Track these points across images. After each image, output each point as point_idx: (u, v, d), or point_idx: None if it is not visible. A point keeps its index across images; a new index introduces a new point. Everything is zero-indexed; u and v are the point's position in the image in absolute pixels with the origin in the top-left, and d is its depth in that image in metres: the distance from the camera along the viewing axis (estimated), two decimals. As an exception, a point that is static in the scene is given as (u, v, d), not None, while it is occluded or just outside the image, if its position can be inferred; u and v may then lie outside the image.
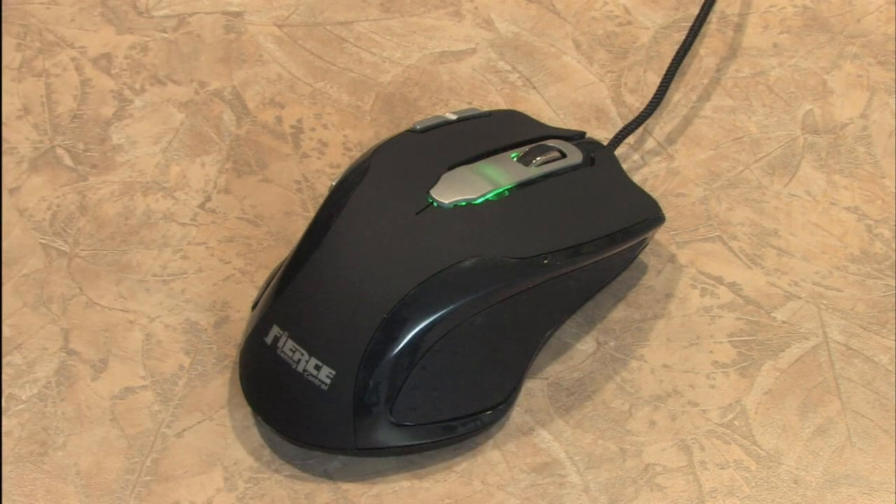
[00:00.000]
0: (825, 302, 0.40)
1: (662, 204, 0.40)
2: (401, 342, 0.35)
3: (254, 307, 0.38)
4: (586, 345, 0.39)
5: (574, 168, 0.39)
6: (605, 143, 0.42)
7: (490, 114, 0.41)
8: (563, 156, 0.39)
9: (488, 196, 0.37)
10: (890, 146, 0.44)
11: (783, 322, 0.40)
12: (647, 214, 0.39)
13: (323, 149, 0.44)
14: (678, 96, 0.46)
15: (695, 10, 0.47)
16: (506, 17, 0.48)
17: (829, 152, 0.44)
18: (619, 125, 0.44)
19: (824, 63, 0.47)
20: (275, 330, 0.36)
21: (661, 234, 0.42)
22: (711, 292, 0.40)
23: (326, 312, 0.36)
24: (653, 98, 0.43)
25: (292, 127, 0.44)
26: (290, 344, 0.36)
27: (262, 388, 0.37)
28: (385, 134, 0.44)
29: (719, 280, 0.41)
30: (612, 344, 0.39)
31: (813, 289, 0.41)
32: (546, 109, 0.45)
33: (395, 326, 0.35)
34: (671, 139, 0.44)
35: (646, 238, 0.40)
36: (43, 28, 0.47)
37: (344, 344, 0.35)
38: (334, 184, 0.38)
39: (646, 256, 0.41)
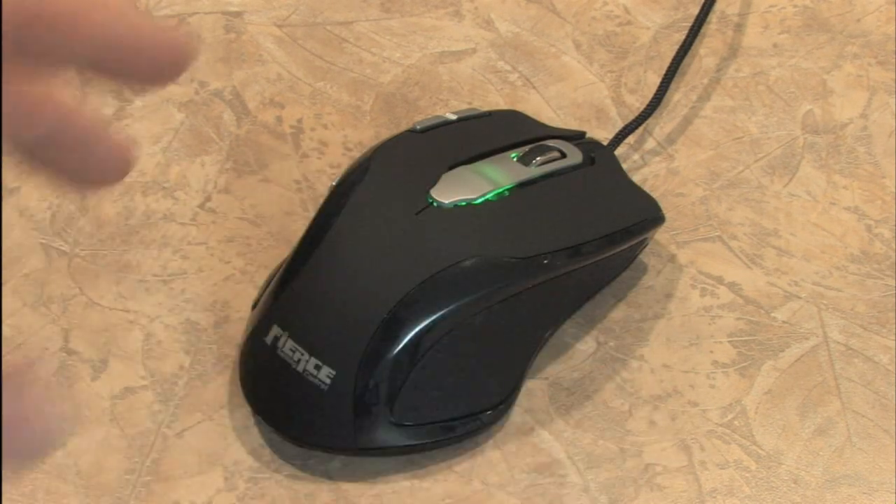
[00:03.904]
0: (825, 302, 0.40)
1: (662, 204, 0.40)
2: (401, 342, 0.35)
3: (254, 307, 0.38)
4: (586, 345, 0.39)
5: (574, 168, 0.39)
6: (605, 143, 0.42)
7: (490, 114, 0.41)
8: (563, 156, 0.39)
9: (488, 196, 0.37)
10: (890, 146, 0.44)
11: (783, 322, 0.40)
12: (647, 214, 0.39)
13: (323, 149, 0.44)
14: (678, 96, 0.46)
15: (695, 10, 0.47)
16: (506, 17, 0.48)
17: (829, 152, 0.44)
18: (619, 125, 0.44)
19: (824, 63, 0.47)
20: (275, 330, 0.36)
21: (661, 234, 0.42)
22: (711, 292, 0.40)
23: (326, 312, 0.36)
24: (653, 98, 0.43)
25: (292, 127, 0.44)
26: (290, 344, 0.36)
27: (262, 388, 0.37)
28: (385, 134, 0.44)
29: (719, 280, 0.41)
30: (612, 344, 0.39)
31: (813, 289, 0.41)
32: (546, 109, 0.45)
33: (395, 326, 0.35)
34: (671, 139, 0.44)
35: (646, 238, 0.40)
36: (43, 28, 0.47)
37: (344, 344, 0.35)
38: (334, 184, 0.38)
39: (646, 256, 0.41)
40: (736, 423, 0.38)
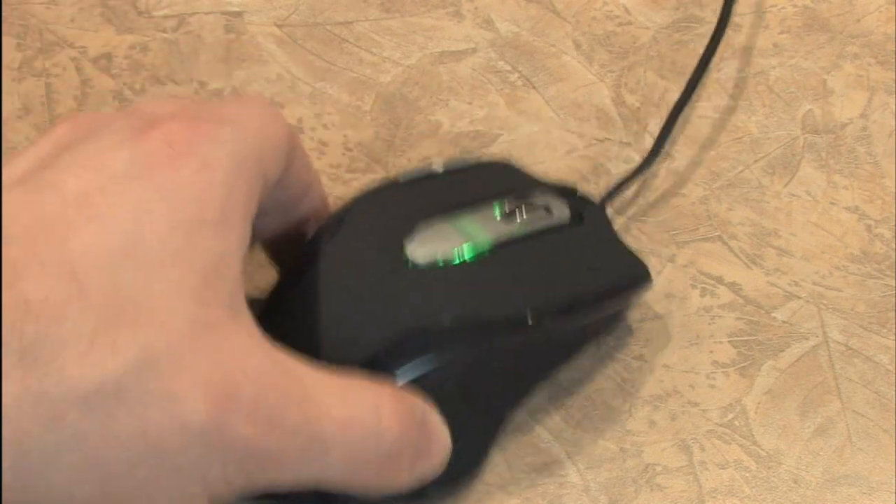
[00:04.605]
0: (825, 302, 0.40)
1: (662, 203, 0.40)
2: None
3: None
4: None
5: (560, 226, 0.37)
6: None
7: (479, 165, 0.39)
8: (550, 213, 0.37)
9: (466, 254, 0.35)
10: (890, 146, 0.44)
11: (783, 322, 0.40)
12: (633, 277, 0.38)
13: (323, 149, 0.44)
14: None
15: (695, 11, 0.47)
16: (506, 17, 0.48)
17: (829, 152, 0.44)
18: (620, 125, 0.44)
19: (824, 63, 0.47)
20: None
21: (661, 234, 0.42)
22: (711, 292, 0.40)
23: None
24: (651, 150, 0.42)
25: (292, 127, 0.44)
26: None
27: None
28: (385, 134, 0.44)
29: (719, 280, 0.41)
30: (612, 344, 0.39)
31: (813, 289, 0.41)
32: (546, 109, 0.45)
33: None
34: (671, 139, 0.44)
35: (630, 301, 0.38)
36: (43, 28, 0.47)
37: None
38: (310, 236, 0.36)
39: (646, 257, 0.41)
40: (736, 423, 0.38)
